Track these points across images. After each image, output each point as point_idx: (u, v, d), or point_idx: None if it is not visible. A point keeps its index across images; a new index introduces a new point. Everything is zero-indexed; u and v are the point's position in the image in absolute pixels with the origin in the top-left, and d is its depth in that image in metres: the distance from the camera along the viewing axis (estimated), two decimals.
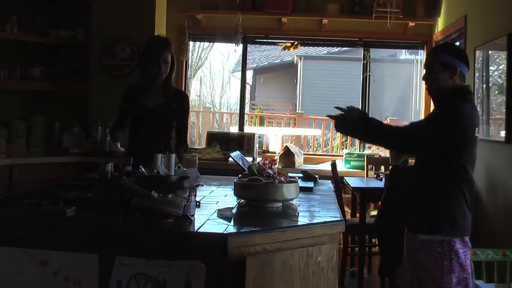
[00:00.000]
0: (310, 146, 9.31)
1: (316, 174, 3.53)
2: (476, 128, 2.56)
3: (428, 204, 2.54)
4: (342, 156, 5.54)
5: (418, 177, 2.63)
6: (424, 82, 2.72)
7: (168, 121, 3.36)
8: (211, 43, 11.14)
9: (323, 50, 12.29)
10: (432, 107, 2.74)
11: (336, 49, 11.97)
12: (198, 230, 1.92)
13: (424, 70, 2.67)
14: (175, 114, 3.39)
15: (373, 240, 4.79)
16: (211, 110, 12.59)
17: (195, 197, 2.15)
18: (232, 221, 2.11)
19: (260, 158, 4.68)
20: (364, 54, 5.70)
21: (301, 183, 2.85)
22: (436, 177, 2.54)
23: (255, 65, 13.14)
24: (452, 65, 2.56)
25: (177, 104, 3.37)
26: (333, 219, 2.23)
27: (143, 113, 3.30)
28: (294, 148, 5.43)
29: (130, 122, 3.38)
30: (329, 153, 7.31)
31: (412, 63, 6.12)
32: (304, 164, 5.42)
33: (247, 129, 6.48)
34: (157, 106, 3.32)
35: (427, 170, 2.57)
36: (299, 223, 2.12)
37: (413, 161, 2.79)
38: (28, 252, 1.89)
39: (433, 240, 2.48)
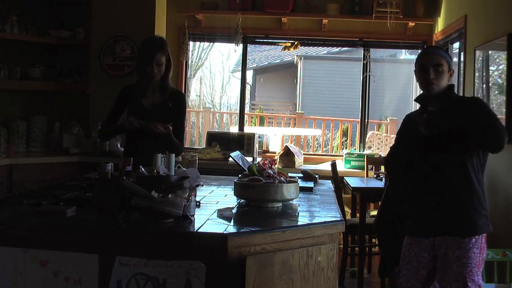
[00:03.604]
0: (310, 146, 9.32)
1: (316, 174, 3.53)
2: None
3: (475, 203, 2.54)
4: (342, 156, 5.53)
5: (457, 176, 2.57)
6: (424, 83, 2.65)
7: (165, 121, 3.35)
8: (211, 43, 11.16)
9: (323, 50, 12.29)
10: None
11: (336, 49, 11.98)
12: (198, 230, 1.92)
13: (426, 70, 2.61)
14: (173, 114, 3.38)
15: (373, 240, 4.79)
16: (211, 110, 12.60)
17: (195, 197, 2.15)
18: (232, 221, 2.11)
19: (260, 158, 4.69)
20: (364, 54, 5.70)
21: (301, 183, 2.85)
22: (476, 173, 2.57)
23: (255, 65, 13.15)
24: (452, 66, 2.68)
25: (174, 103, 3.37)
26: (333, 219, 2.23)
27: (140, 112, 3.29)
28: (294, 148, 5.43)
29: None
30: (329, 153, 7.30)
31: (412, 63, 6.10)
32: (304, 164, 5.41)
33: (247, 129, 6.48)
34: (154, 105, 3.32)
35: (467, 167, 2.56)
36: (299, 223, 2.12)
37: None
38: (28, 252, 1.89)
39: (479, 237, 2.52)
